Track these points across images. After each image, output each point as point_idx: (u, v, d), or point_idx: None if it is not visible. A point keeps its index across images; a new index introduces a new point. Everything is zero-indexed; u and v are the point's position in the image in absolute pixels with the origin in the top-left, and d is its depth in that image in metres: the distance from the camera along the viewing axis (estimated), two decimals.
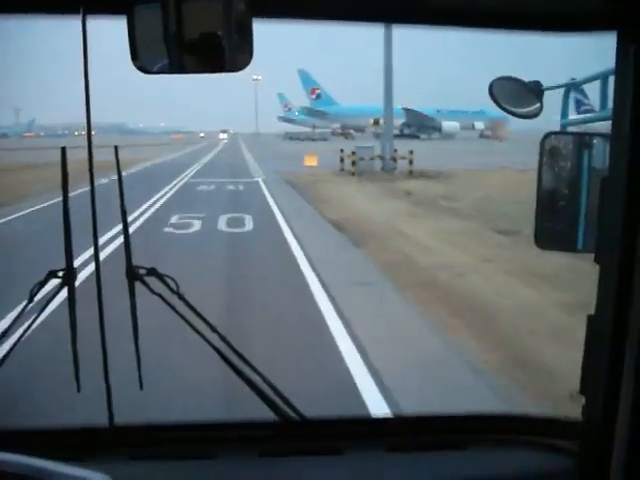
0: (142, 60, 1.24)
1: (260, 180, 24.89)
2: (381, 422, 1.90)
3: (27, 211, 15.15)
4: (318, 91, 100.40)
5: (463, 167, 26.38)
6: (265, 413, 1.56)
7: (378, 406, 4.54)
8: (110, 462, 1.38)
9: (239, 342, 1.68)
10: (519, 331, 6.39)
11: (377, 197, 19.16)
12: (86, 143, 1.54)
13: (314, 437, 1.54)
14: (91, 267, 1.83)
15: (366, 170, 26.62)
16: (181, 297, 1.67)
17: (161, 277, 1.68)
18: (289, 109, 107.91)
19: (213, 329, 1.67)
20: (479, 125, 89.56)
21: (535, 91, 1.88)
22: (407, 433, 1.58)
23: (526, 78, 1.87)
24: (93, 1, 1.23)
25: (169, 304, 1.66)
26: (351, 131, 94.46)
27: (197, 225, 13.39)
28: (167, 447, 1.48)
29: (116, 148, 1.75)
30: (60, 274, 1.60)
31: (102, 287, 1.64)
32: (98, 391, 1.63)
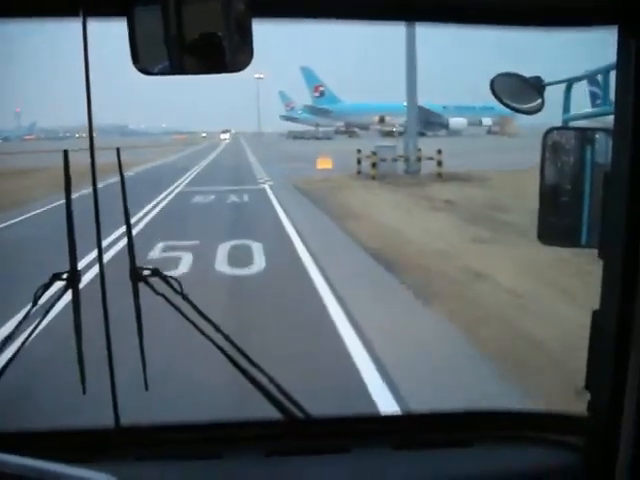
0: (143, 62, 1.24)
1: (267, 187, 21.66)
2: (387, 420, 1.90)
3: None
4: (322, 89, 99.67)
5: (492, 168, 22.44)
6: (271, 412, 1.56)
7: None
8: (116, 463, 1.38)
9: None
10: None
11: (414, 209, 15.31)
12: (87, 145, 1.54)
13: (320, 436, 1.54)
14: (94, 269, 1.82)
15: (388, 173, 23.35)
16: (185, 297, 1.67)
17: (165, 278, 1.68)
18: (291, 108, 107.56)
19: (217, 329, 1.67)
20: (487, 121, 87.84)
21: (536, 87, 1.88)
22: (413, 430, 1.58)
23: (534, 73, 1.86)
24: (93, 3, 1.23)
25: (173, 304, 1.67)
26: (355, 129, 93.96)
27: (186, 263, 9.22)
28: (173, 447, 1.48)
29: (118, 150, 1.75)
30: (64, 276, 1.61)
31: (106, 288, 1.64)
32: (104, 392, 1.64)
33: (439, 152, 23.20)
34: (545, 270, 8.17)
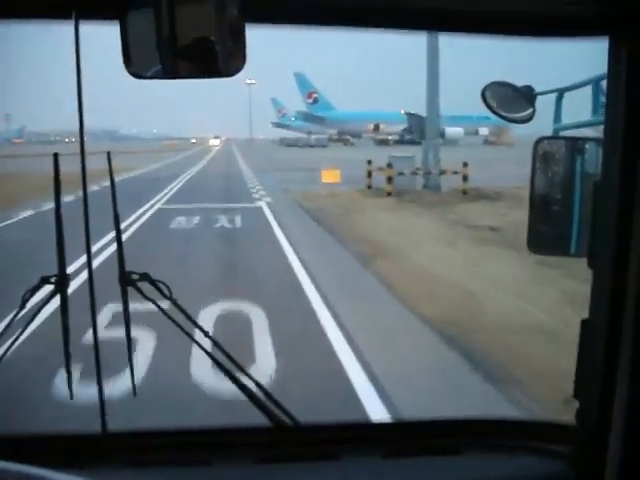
0: (135, 65, 1.24)
1: (264, 206, 17.75)
2: (378, 427, 1.90)
3: None
4: (315, 95, 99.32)
5: (514, 183, 16.86)
6: (260, 419, 1.56)
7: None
8: (103, 469, 1.37)
9: None
10: None
11: (456, 241, 11.78)
12: (74, 150, 1.53)
13: (310, 443, 1.54)
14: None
15: (404, 188, 20.03)
16: (174, 302, 1.67)
17: (154, 283, 1.67)
18: (283, 115, 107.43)
19: (206, 335, 1.67)
20: (483, 131, 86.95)
21: (528, 96, 1.89)
22: (403, 438, 1.57)
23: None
24: (85, 6, 1.22)
25: (162, 309, 1.66)
26: (348, 137, 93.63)
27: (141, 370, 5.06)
28: (161, 454, 1.47)
29: (109, 154, 1.75)
30: (53, 280, 1.60)
31: (95, 293, 1.63)
32: (91, 398, 1.62)
33: (465, 165, 20.05)
34: None
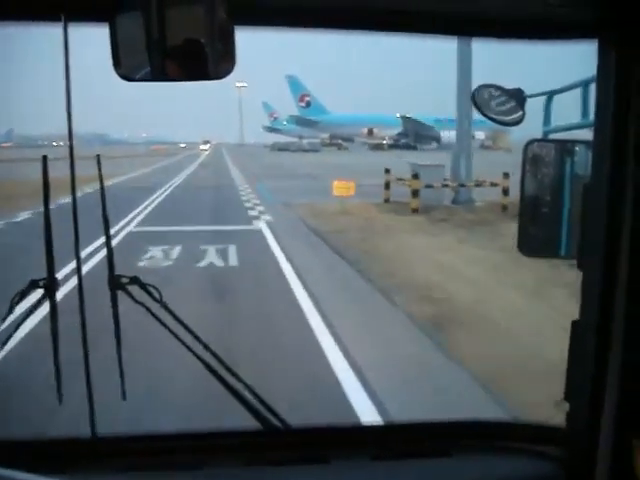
0: (124, 67, 1.23)
1: (264, 227, 14.04)
2: (367, 430, 1.90)
3: None
4: (308, 98, 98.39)
5: None
6: (251, 422, 1.55)
7: None
8: (92, 474, 1.36)
9: None
10: None
11: (541, 288, 7.85)
12: (63, 154, 1.52)
13: (300, 446, 1.53)
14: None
15: (432, 203, 16.72)
16: (164, 306, 1.66)
17: (144, 286, 1.67)
18: (275, 118, 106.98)
19: (196, 338, 1.66)
20: (479, 135, 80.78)
21: (518, 98, 1.89)
22: (393, 440, 1.57)
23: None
24: (74, 9, 1.22)
25: (152, 313, 1.65)
26: (340, 141, 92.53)
27: None
28: (151, 458, 1.46)
29: (98, 157, 1.74)
30: (42, 284, 1.59)
31: (85, 297, 1.62)
32: (80, 402, 1.61)
33: (506, 176, 16.66)
34: None
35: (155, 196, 21.36)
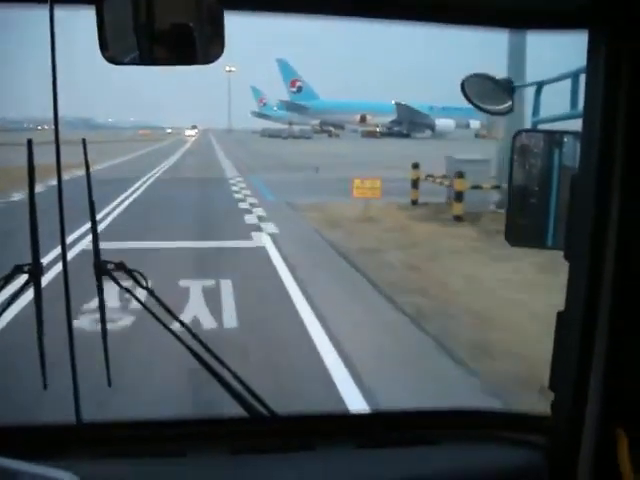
0: (111, 51, 1.22)
1: (268, 244, 10.39)
2: (354, 418, 1.90)
3: None
4: (299, 83, 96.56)
5: None
6: (236, 410, 1.55)
7: None
8: (77, 460, 1.35)
9: None
10: None
11: None
12: (48, 138, 1.50)
13: (286, 433, 1.54)
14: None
15: (477, 208, 13.25)
16: (150, 292, 1.65)
17: (130, 272, 1.65)
18: (264, 104, 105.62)
19: (182, 324, 1.65)
20: (474, 124, 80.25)
21: (507, 88, 1.89)
22: (380, 429, 1.58)
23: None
24: None
25: (137, 299, 1.65)
26: (331, 128, 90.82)
27: None
28: (135, 444, 1.46)
29: (84, 141, 1.72)
30: (26, 269, 1.57)
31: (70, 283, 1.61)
32: (65, 388, 1.60)
33: None
34: None
35: (133, 189, 18.38)
